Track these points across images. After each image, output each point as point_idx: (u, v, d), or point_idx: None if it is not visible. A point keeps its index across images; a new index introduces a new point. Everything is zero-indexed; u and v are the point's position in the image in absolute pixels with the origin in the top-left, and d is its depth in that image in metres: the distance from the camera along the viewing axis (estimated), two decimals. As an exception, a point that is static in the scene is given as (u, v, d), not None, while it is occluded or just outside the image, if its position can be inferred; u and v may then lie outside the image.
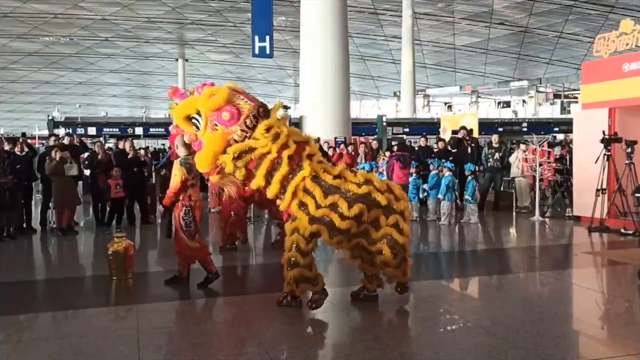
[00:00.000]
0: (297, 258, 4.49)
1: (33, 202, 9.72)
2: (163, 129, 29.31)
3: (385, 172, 10.35)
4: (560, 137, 28.26)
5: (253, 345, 4.01)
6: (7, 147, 8.98)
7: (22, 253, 8.14)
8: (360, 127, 27.65)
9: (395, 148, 12.02)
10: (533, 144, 10.48)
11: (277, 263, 6.92)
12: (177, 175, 5.39)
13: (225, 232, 7.63)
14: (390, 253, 4.57)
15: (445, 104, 50.58)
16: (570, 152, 12.74)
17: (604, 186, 8.67)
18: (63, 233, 8.92)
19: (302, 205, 4.47)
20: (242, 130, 4.46)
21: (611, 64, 9.26)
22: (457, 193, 10.28)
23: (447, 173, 9.92)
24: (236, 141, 4.46)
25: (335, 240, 4.60)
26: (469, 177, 9.98)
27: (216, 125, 4.51)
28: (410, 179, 10.36)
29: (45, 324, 4.70)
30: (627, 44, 8.86)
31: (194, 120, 4.63)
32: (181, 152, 5.48)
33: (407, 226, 4.70)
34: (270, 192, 4.52)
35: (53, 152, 8.96)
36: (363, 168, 10.84)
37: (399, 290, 4.92)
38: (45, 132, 26.37)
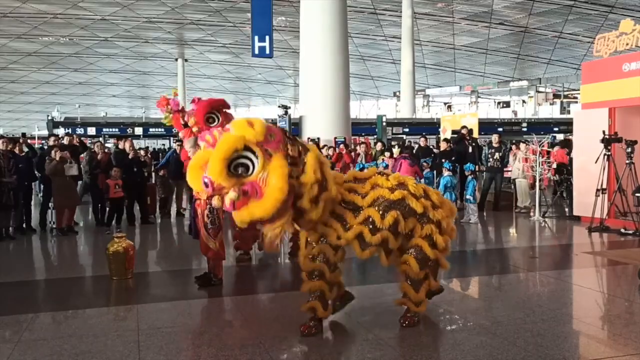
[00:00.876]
0: (324, 269, 4.01)
1: (33, 203, 9.69)
2: (163, 129, 29.35)
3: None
4: (560, 137, 28.28)
5: (254, 345, 4.00)
6: (10, 146, 8.98)
7: (22, 253, 8.14)
8: (360, 127, 27.69)
9: (395, 149, 12.05)
10: (533, 143, 10.48)
11: (280, 263, 6.99)
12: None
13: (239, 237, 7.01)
14: (417, 266, 4.11)
15: (445, 104, 50.59)
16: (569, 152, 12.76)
17: (604, 186, 8.67)
18: (63, 233, 8.92)
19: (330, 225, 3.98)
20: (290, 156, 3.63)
21: (611, 64, 9.26)
22: (457, 193, 10.28)
23: (445, 173, 9.98)
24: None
25: (368, 253, 4.11)
26: (469, 177, 9.98)
27: (267, 151, 3.53)
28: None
29: (46, 324, 4.69)
30: (627, 44, 8.86)
31: (240, 163, 3.47)
32: (192, 154, 5.39)
33: (442, 238, 4.19)
34: (317, 215, 3.82)
35: (53, 152, 8.96)
36: (363, 167, 10.88)
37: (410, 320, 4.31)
38: (45, 132, 26.40)
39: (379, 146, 13.48)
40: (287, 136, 3.75)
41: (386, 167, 10.25)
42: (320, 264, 4.02)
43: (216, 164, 3.37)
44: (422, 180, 10.02)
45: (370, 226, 3.99)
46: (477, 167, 10.86)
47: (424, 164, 10.82)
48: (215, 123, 5.59)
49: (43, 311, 4.99)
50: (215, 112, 5.65)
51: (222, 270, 5.75)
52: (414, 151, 13.24)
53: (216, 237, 5.55)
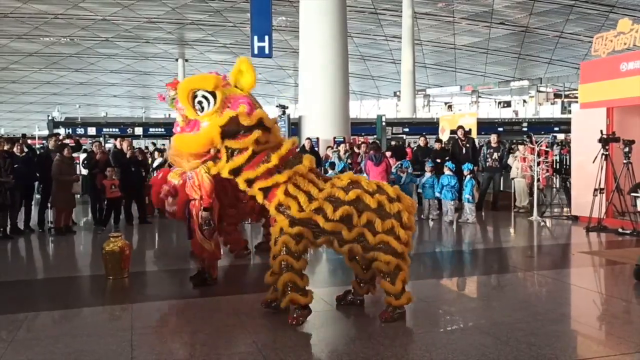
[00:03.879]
0: (289, 261, 4.23)
1: (33, 202, 9.70)
2: (163, 129, 29.37)
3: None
4: (560, 137, 28.26)
5: (246, 345, 4.00)
6: (6, 147, 8.99)
7: (19, 253, 8.17)
8: (360, 127, 27.65)
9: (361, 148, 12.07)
10: (532, 143, 10.47)
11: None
12: (204, 175, 5.35)
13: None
14: (386, 256, 4.26)
15: (446, 103, 50.57)
16: (569, 152, 12.75)
17: (602, 186, 8.66)
18: (61, 233, 8.93)
19: (283, 206, 4.25)
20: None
21: (609, 64, 9.24)
22: (456, 193, 10.29)
23: (446, 172, 10.03)
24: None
25: (321, 241, 4.40)
26: (468, 177, 9.98)
27: (227, 104, 4.14)
28: (427, 177, 10.36)
29: (40, 323, 4.69)
30: (625, 44, 8.84)
31: (200, 100, 4.11)
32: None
33: (404, 232, 4.31)
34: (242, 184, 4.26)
35: (66, 151, 9.09)
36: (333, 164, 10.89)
37: (388, 315, 4.41)
38: (46, 133, 26.40)
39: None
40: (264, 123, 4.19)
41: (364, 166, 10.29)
42: (285, 255, 4.22)
43: (184, 86, 4.20)
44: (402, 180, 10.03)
45: (322, 215, 4.22)
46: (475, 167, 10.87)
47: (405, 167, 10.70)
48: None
49: (38, 310, 4.99)
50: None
51: (216, 270, 5.76)
52: (414, 150, 13.24)
53: (211, 237, 5.57)
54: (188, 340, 4.13)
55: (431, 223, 10.00)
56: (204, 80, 4.15)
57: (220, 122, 4.09)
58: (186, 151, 4.27)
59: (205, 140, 4.15)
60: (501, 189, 11.88)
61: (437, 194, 10.14)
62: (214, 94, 4.09)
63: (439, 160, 11.26)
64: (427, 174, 10.34)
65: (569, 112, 41.72)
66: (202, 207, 5.46)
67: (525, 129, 32.40)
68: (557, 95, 47.20)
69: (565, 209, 10.98)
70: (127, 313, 4.85)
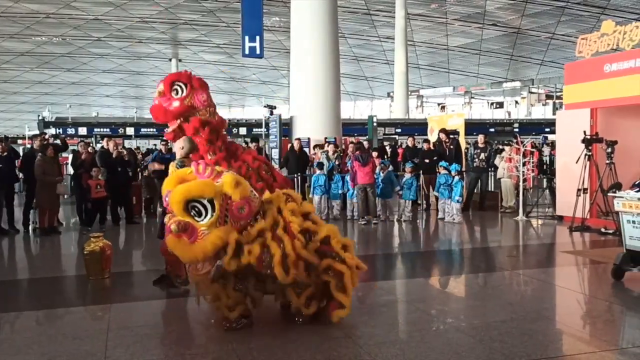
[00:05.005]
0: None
1: (15, 202, 9.65)
2: (155, 129, 29.29)
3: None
4: (552, 137, 28.36)
5: (221, 344, 4.00)
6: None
7: (1, 253, 8.11)
8: (352, 128, 27.73)
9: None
10: (517, 144, 10.52)
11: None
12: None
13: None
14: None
15: (439, 104, 50.70)
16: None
17: (585, 186, 8.71)
18: (45, 233, 8.90)
19: None
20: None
21: (593, 65, 9.31)
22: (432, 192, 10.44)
23: (442, 172, 10.12)
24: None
25: None
26: (456, 178, 10.04)
27: (226, 217, 3.95)
28: (406, 177, 10.41)
29: (18, 324, 4.67)
30: (609, 45, 8.91)
31: (196, 204, 3.86)
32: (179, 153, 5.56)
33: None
34: None
35: (48, 150, 8.97)
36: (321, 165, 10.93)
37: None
38: (36, 133, 26.27)
39: (365, 144, 13.49)
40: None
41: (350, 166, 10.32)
42: None
43: (179, 195, 3.85)
44: (380, 178, 10.05)
45: None
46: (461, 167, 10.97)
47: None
48: (178, 95, 5.84)
49: (15, 311, 4.98)
50: (181, 84, 5.85)
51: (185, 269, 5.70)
52: (404, 150, 13.29)
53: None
54: (163, 340, 4.13)
55: (403, 224, 10.03)
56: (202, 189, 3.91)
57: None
58: (189, 260, 4.04)
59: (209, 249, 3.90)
60: (488, 189, 11.95)
61: (435, 193, 10.23)
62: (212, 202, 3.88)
63: (427, 161, 11.31)
64: (407, 175, 10.40)
65: (561, 113, 41.95)
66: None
67: (516, 130, 32.57)
68: (548, 96, 47.42)
69: (549, 209, 11.05)
70: (105, 313, 4.84)
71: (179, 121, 5.94)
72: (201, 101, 6.05)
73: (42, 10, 33.85)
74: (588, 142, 8.50)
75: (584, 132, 8.66)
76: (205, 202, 3.83)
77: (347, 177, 10.32)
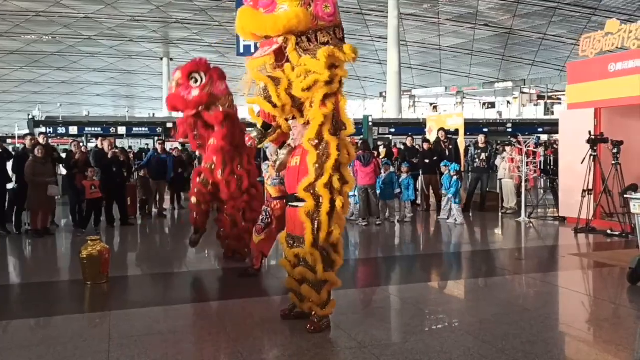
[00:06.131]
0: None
1: (7, 204, 9.37)
2: (147, 129, 28.95)
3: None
4: (544, 137, 28.43)
5: (231, 354, 3.82)
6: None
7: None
8: (346, 128, 27.56)
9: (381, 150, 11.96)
10: (519, 144, 10.42)
11: (263, 267, 6.77)
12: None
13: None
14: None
15: (431, 104, 50.71)
16: (554, 153, 12.76)
17: (590, 187, 8.60)
18: (38, 235, 8.64)
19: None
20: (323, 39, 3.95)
21: (597, 64, 9.20)
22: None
23: (445, 171, 10.01)
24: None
25: None
26: (454, 178, 9.90)
27: (308, 8, 3.85)
28: (403, 178, 10.25)
29: (14, 331, 4.45)
30: (613, 44, 8.81)
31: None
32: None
33: None
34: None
35: (36, 151, 8.71)
36: None
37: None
38: (26, 132, 25.86)
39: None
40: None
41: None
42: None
43: None
44: (381, 179, 9.91)
45: None
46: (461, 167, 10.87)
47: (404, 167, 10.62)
48: (197, 83, 5.94)
49: (11, 318, 4.75)
50: (199, 73, 5.96)
51: (260, 262, 5.98)
52: (402, 150, 13.16)
53: (261, 233, 5.74)
54: (168, 350, 3.93)
55: (405, 225, 9.88)
56: None
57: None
58: (254, 31, 3.95)
59: (283, 22, 3.79)
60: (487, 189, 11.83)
61: (444, 192, 10.22)
62: None
63: (427, 161, 11.17)
64: (403, 175, 10.24)
65: (552, 113, 42.07)
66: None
67: (509, 130, 32.60)
68: (540, 97, 47.62)
69: (552, 210, 10.96)
70: (105, 320, 4.63)
71: (200, 109, 6.01)
72: (221, 90, 6.10)
73: (32, 8, 33.35)
74: (593, 142, 8.39)
75: (589, 132, 8.55)
76: None
77: None
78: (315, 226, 4.05)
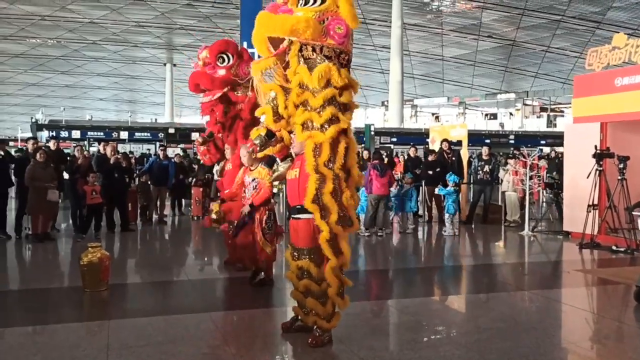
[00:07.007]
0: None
1: (8, 208, 9.31)
2: (149, 134, 28.97)
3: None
4: (546, 150, 28.39)
5: (231, 368, 3.74)
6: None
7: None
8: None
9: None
10: (523, 156, 10.35)
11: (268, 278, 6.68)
12: (265, 178, 5.55)
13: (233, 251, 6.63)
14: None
15: (433, 114, 50.77)
16: (559, 165, 12.68)
17: (596, 202, 8.53)
18: (39, 240, 8.57)
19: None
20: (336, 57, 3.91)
21: (603, 78, 9.16)
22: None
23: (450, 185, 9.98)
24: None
25: None
26: (450, 189, 9.86)
27: (322, 22, 3.87)
28: (406, 188, 10.19)
29: (8, 340, 4.36)
30: (620, 58, 8.77)
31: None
32: (247, 161, 5.69)
33: None
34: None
35: (38, 155, 8.65)
36: None
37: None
38: (29, 135, 25.89)
39: (365, 154, 13.30)
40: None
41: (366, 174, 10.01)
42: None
43: None
44: (393, 192, 9.86)
45: None
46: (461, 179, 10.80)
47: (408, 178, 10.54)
48: (225, 63, 6.06)
49: (8, 326, 4.66)
50: (227, 53, 6.05)
51: (272, 270, 6.00)
52: (406, 160, 13.11)
53: (272, 242, 5.70)
54: (168, 362, 3.85)
55: (403, 237, 9.82)
56: None
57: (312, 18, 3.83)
58: (265, 32, 3.93)
59: (292, 23, 3.80)
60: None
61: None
62: None
63: (430, 172, 11.10)
64: (406, 186, 10.17)
65: (555, 125, 42.10)
66: (267, 213, 5.64)
67: (512, 142, 32.57)
68: (543, 109, 47.67)
69: (554, 223, 10.88)
70: (103, 330, 4.55)
71: (226, 89, 6.05)
72: (245, 72, 6.15)
73: (37, 12, 33.52)
74: (599, 156, 8.32)
75: (595, 146, 8.49)
76: None
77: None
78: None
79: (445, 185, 10.08)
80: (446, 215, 9.84)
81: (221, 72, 6.14)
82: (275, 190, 6.78)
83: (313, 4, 3.88)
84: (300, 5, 3.92)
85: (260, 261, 5.84)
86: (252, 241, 5.72)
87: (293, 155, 4.46)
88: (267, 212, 5.67)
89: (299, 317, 4.33)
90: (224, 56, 6.17)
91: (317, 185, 3.91)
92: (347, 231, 4.06)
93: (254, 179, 5.72)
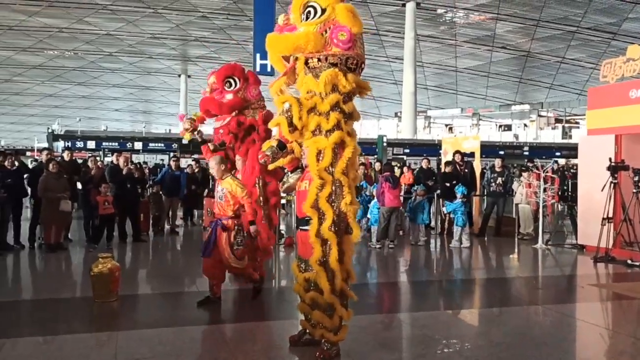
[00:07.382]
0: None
1: (23, 218, 9.41)
2: (163, 144, 29.21)
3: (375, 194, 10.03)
4: (561, 162, 28.10)
5: (237, 382, 3.72)
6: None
7: (5, 270, 7.82)
8: (360, 147, 27.51)
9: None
10: (537, 169, 10.24)
11: (273, 289, 6.67)
12: (237, 190, 5.45)
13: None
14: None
15: (446, 125, 50.59)
16: (572, 177, 12.52)
17: (610, 215, 8.39)
18: (51, 250, 8.65)
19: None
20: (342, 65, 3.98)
21: (618, 90, 9.05)
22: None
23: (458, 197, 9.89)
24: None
25: None
26: (459, 201, 9.78)
27: (324, 33, 3.97)
28: (418, 200, 10.13)
29: (18, 351, 4.38)
30: (634, 70, 8.67)
31: (308, 10, 4.02)
32: (216, 172, 5.57)
33: None
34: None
35: (51, 166, 8.75)
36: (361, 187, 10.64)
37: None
38: (45, 145, 26.25)
39: (377, 166, 13.25)
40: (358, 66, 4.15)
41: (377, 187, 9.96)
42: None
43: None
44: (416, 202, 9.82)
45: None
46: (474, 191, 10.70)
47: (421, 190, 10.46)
48: (231, 87, 6.11)
49: (16, 337, 4.67)
50: (234, 77, 6.12)
51: (255, 273, 5.95)
52: (415, 172, 13.02)
53: (242, 258, 5.54)
54: (175, 374, 3.84)
55: (415, 249, 9.73)
56: None
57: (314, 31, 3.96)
58: (273, 52, 4.16)
59: (293, 41, 3.97)
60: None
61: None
62: (323, 10, 4.00)
63: (447, 184, 10.97)
64: (418, 198, 10.11)
65: (570, 137, 41.70)
66: (235, 227, 5.46)
67: (526, 153, 32.29)
68: (558, 120, 47.24)
69: (568, 236, 10.72)
70: (111, 341, 4.56)
71: (233, 114, 6.13)
72: (253, 95, 6.24)
73: (55, 24, 34.09)
74: (614, 169, 8.21)
75: (610, 159, 8.37)
76: (317, 5, 4.00)
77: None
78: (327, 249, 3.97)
79: (454, 197, 10.00)
80: (455, 228, 9.75)
81: (229, 97, 6.21)
82: (283, 201, 6.77)
83: (314, 17, 3.98)
84: (303, 20, 4.04)
85: (255, 275, 5.87)
86: (219, 259, 5.47)
87: (304, 166, 4.45)
88: (235, 227, 5.46)
89: (307, 331, 4.29)
90: (231, 80, 6.22)
91: (317, 190, 3.92)
92: (347, 239, 4.03)
93: (222, 189, 5.56)
